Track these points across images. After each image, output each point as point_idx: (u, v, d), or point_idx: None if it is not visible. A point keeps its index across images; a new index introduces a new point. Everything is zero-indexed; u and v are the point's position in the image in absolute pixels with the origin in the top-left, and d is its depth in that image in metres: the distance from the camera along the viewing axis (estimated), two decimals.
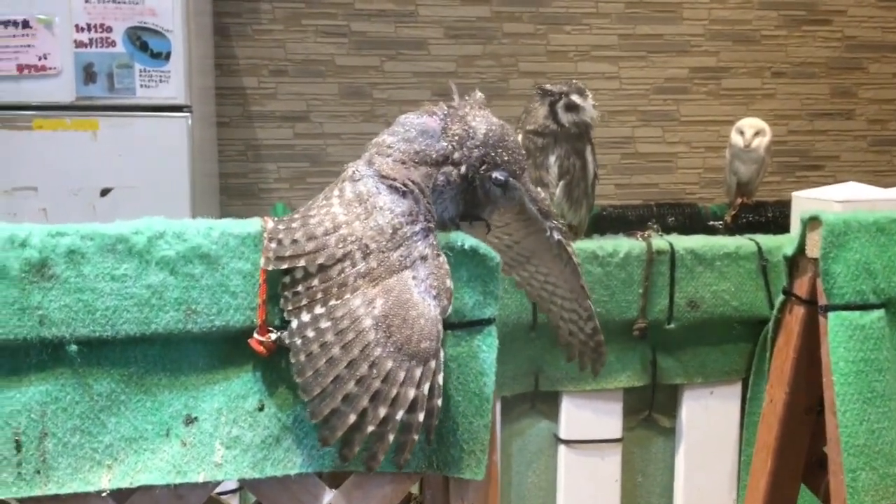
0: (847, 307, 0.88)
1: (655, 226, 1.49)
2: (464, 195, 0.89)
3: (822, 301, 0.90)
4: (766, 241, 1.42)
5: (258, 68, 3.20)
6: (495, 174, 0.88)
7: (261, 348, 0.80)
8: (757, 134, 2.61)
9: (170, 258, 0.78)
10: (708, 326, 1.43)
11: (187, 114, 2.53)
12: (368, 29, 3.23)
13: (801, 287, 0.96)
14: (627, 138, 3.40)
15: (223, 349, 0.83)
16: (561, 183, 1.41)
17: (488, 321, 0.85)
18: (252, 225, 0.81)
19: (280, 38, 3.19)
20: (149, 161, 2.50)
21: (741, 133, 2.61)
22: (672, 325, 1.40)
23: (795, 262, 0.98)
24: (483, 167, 0.88)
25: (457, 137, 0.89)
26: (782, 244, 1.42)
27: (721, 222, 2.81)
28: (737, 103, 3.48)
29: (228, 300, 0.80)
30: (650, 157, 3.46)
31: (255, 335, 0.80)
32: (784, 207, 2.96)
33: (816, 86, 3.52)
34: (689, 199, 3.43)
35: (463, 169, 0.88)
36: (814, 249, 0.91)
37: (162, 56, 2.49)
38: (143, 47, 2.48)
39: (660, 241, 1.39)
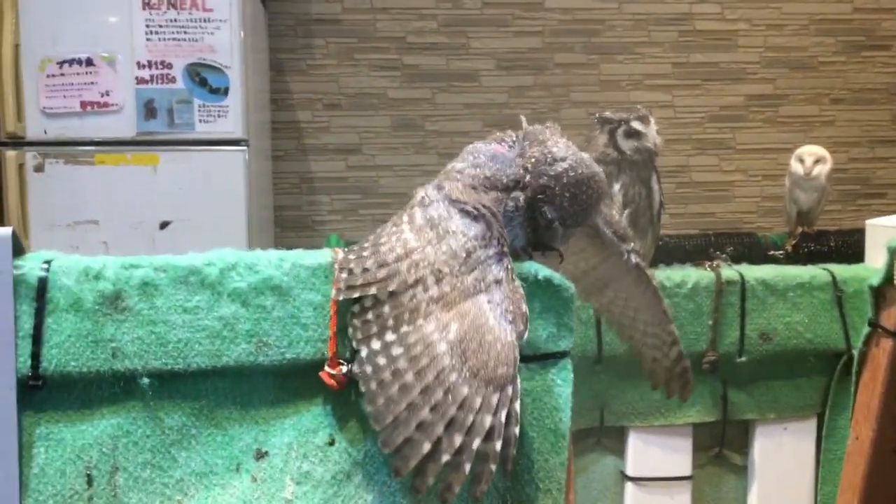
0: None
1: (724, 255, 1.45)
2: (530, 222, 0.87)
3: None
4: (840, 270, 1.36)
5: (312, 102, 3.24)
6: (546, 209, 0.86)
7: (332, 381, 0.78)
8: (817, 162, 2.55)
9: (241, 290, 0.77)
10: (781, 360, 1.37)
11: (244, 147, 2.56)
12: (420, 62, 3.25)
13: (889, 318, 0.91)
14: (682, 167, 3.35)
15: (294, 382, 0.82)
16: (626, 212, 1.38)
17: (563, 354, 0.82)
18: (323, 256, 0.80)
19: (333, 73, 3.23)
20: (206, 194, 2.54)
21: (801, 161, 2.55)
22: (743, 359, 1.35)
23: (882, 292, 0.93)
24: (540, 196, 0.86)
25: (532, 160, 0.87)
26: (857, 274, 1.37)
27: (781, 252, 2.74)
28: (795, 131, 3.41)
29: (300, 332, 0.79)
30: (706, 185, 3.41)
31: (326, 368, 0.79)
32: (846, 236, 2.89)
33: (877, 112, 3.43)
34: (747, 229, 3.36)
35: (528, 192, 0.86)
36: None
37: (220, 91, 2.53)
38: (203, 83, 2.52)
39: (729, 271, 1.34)
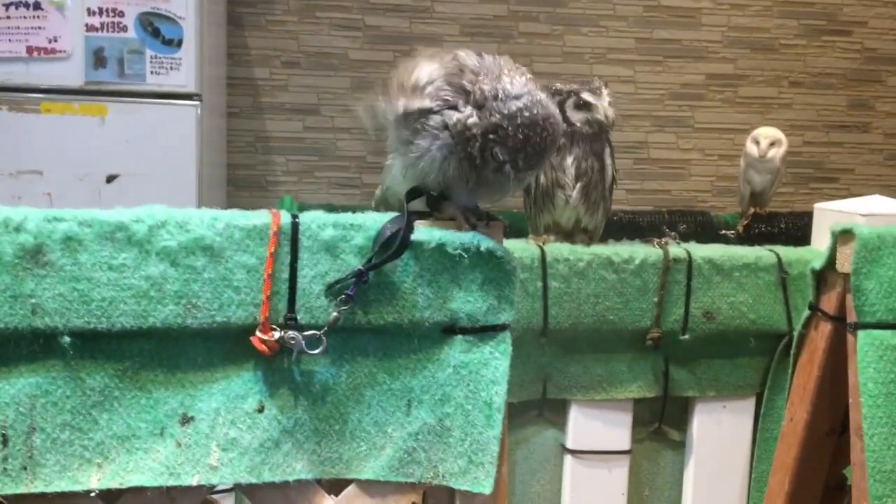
0: (878, 325, 0.83)
1: (673, 233, 1.44)
2: (476, 164, 0.83)
3: (852, 318, 0.86)
4: (786, 252, 1.37)
5: (270, 59, 3.16)
6: (497, 149, 0.82)
7: (263, 347, 0.76)
8: (773, 144, 2.57)
9: (171, 249, 0.74)
10: (723, 339, 1.38)
11: (197, 102, 2.49)
12: (383, 23, 3.19)
13: (829, 303, 0.91)
14: (641, 143, 3.35)
15: (223, 346, 0.79)
16: (578, 185, 1.36)
17: (502, 327, 0.81)
18: (258, 217, 0.78)
19: (293, 30, 3.16)
20: (156, 149, 2.47)
21: (756, 142, 2.57)
22: (686, 336, 1.35)
23: (823, 276, 0.94)
24: (492, 135, 0.82)
25: (483, 94, 0.83)
26: (802, 256, 1.38)
27: (733, 232, 2.77)
28: (753, 112, 3.43)
29: (231, 295, 0.76)
30: (663, 163, 3.42)
31: (258, 333, 0.76)
32: (797, 219, 2.92)
33: (834, 97, 3.47)
34: (701, 207, 3.39)
35: (477, 130, 0.82)
36: (845, 264, 0.87)
37: (173, 43, 2.45)
38: (155, 33, 2.44)
39: (677, 249, 1.34)
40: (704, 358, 1.39)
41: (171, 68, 2.46)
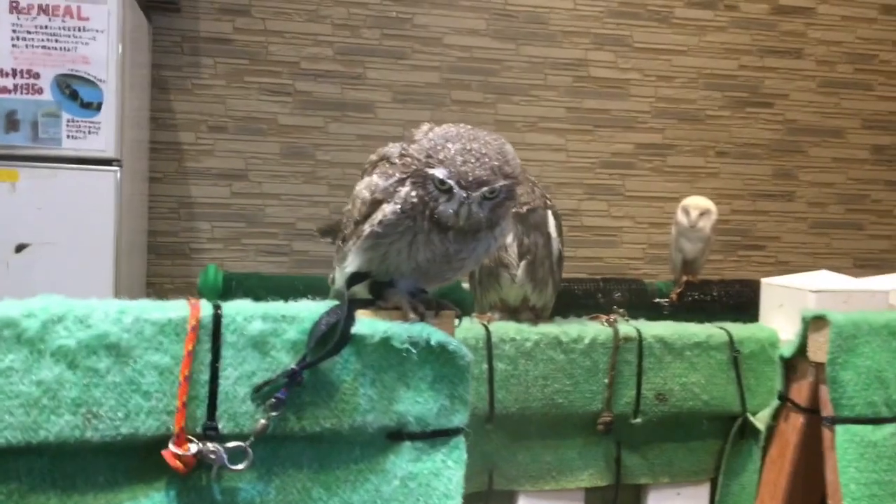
0: (857, 420, 0.78)
1: (621, 310, 1.39)
2: (426, 207, 0.79)
3: (828, 412, 0.80)
4: (737, 330, 1.33)
5: (196, 123, 3.06)
6: (436, 171, 0.77)
7: (177, 463, 0.65)
8: (703, 214, 2.59)
9: (68, 348, 0.63)
10: (676, 422, 1.32)
11: (116, 168, 2.37)
12: (314, 89, 3.13)
13: (800, 393, 0.85)
14: (574, 211, 3.34)
15: (130, 463, 0.67)
16: (523, 263, 1.29)
17: (456, 431, 0.72)
18: (174, 309, 0.67)
19: (221, 94, 3.07)
20: (71, 216, 2.33)
21: (687, 212, 2.58)
22: (639, 420, 1.28)
23: (793, 364, 0.88)
24: (429, 166, 0.78)
25: (412, 156, 0.81)
26: (754, 334, 1.34)
27: (667, 300, 2.76)
28: (681, 181, 3.48)
29: (139, 402, 0.65)
30: (596, 230, 3.42)
31: (171, 446, 0.65)
32: (728, 286, 2.94)
33: (759, 167, 3.54)
34: (633, 275, 3.39)
35: (407, 181, 0.79)
36: (818, 353, 0.81)
37: (93, 106, 2.34)
38: (73, 96, 2.32)
39: (626, 327, 1.28)
40: (657, 442, 1.32)
41: (90, 132, 2.34)
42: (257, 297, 2.43)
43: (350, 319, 0.70)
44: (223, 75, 3.07)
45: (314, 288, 2.75)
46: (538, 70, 3.32)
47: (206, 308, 0.68)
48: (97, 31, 2.35)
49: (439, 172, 0.77)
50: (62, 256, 2.32)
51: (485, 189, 0.77)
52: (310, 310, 0.71)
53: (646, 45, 3.40)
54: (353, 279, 0.77)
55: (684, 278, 2.74)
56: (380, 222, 0.78)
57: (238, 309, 0.69)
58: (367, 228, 0.80)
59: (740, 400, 1.30)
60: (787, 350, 0.89)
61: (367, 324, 0.70)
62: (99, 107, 2.35)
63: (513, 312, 1.34)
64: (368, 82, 3.17)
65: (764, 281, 1.41)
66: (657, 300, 2.76)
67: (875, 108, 3.61)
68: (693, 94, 3.46)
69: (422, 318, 0.74)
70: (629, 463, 1.32)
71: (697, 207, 2.60)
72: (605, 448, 1.31)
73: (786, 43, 3.52)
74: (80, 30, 2.34)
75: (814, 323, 0.85)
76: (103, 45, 2.35)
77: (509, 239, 1.30)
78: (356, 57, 3.16)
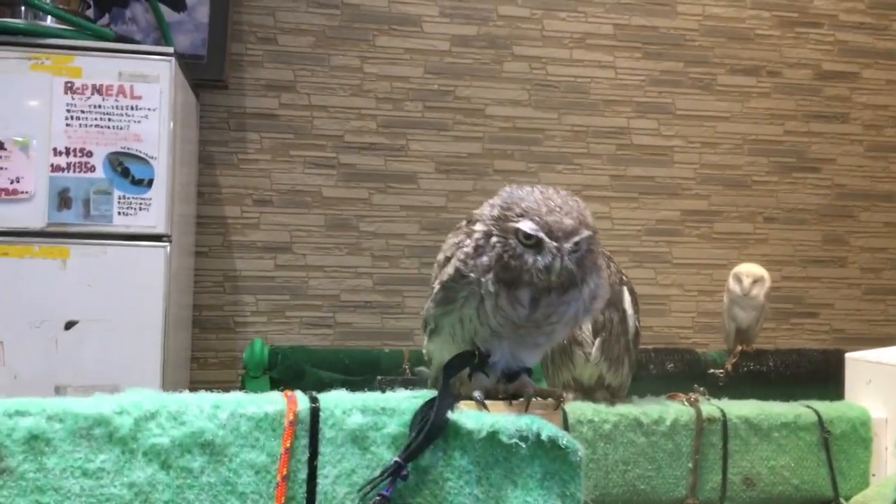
0: None
1: (702, 388, 1.33)
2: (505, 270, 0.75)
3: None
4: (826, 409, 1.26)
5: (242, 197, 3.08)
6: (521, 224, 0.75)
7: None
8: (755, 282, 2.54)
9: (162, 447, 0.59)
10: None
11: (166, 243, 2.37)
12: (357, 161, 3.15)
13: None
14: None
15: None
16: (598, 340, 1.25)
17: None
18: (270, 402, 0.63)
19: (266, 168, 3.09)
20: (120, 292, 2.32)
21: (739, 280, 2.54)
22: None
23: None
24: (511, 221, 0.77)
25: (495, 215, 0.82)
26: (844, 413, 1.27)
27: (722, 370, 2.70)
28: (729, 247, 3.42)
29: (235, 503, 0.61)
30: (644, 299, 3.32)
31: None
32: (784, 356, 2.86)
33: (808, 232, 3.48)
34: (683, 344, 3.31)
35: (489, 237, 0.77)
36: None
37: (144, 183, 2.36)
38: (125, 173, 2.34)
39: (709, 407, 1.22)
40: None
41: (141, 209, 2.35)
42: (303, 371, 2.39)
43: (447, 403, 0.65)
44: (269, 150, 3.10)
45: (359, 361, 2.71)
46: (581, 139, 3.31)
47: (302, 401, 0.64)
48: (149, 109, 2.38)
49: (525, 225, 0.73)
50: (111, 332, 2.31)
51: (575, 239, 0.74)
52: (410, 401, 0.67)
53: (688, 112, 3.39)
54: (450, 367, 0.73)
55: (738, 348, 2.67)
56: (447, 278, 0.75)
57: (336, 401, 0.65)
58: (435, 286, 0.77)
59: (832, 484, 1.22)
60: None
61: (472, 417, 0.66)
62: (150, 183, 2.36)
63: (587, 392, 1.28)
64: (411, 154, 3.19)
65: (849, 356, 1.35)
66: (712, 371, 2.68)
67: None
68: (738, 160, 3.43)
69: (526, 409, 0.70)
70: None
71: (750, 275, 2.54)
72: None
73: (831, 108, 3.49)
74: (132, 108, 2.37)
75: None
76: (154, 123, 2.38)
77: None
78: (399, 129, 3.18)
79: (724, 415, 1.20)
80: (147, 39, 2.84)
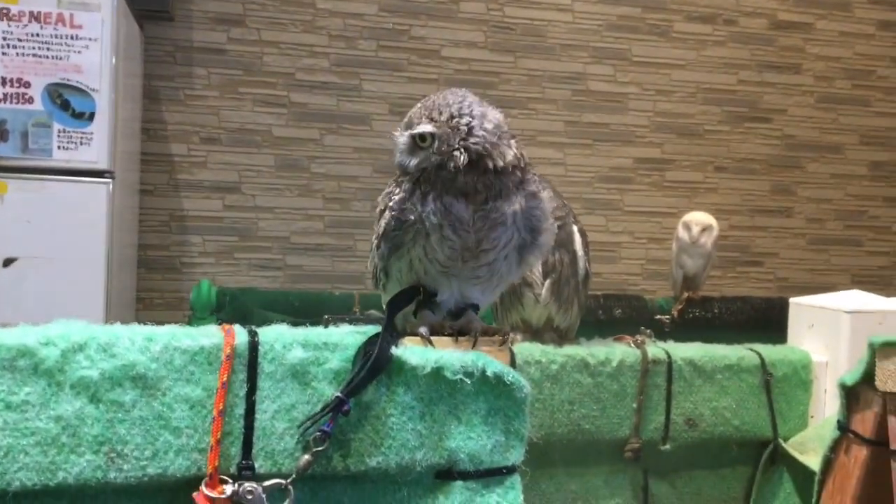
0: None
1: (648, 331, 1.33)
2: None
3: None
4: (768, 352, 1.28)
5: (188, 135, 2.99)
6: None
7: None
8: (704, 230, 2.56)
9: (91, 380, 0.57)
10: (705, 448, 1.26)
11: (109, 180, 2.30)
12: (309, 100, 3.07)
13: (864, 424, 0.80)
14: None
15: None
16: (547, 282, 1.24)
17: (511, 469, 0.66)
18: (206, 336, 0.61)
19: (214, 105, 3.00)
20: (61, 229, 2.25)
21: (688, 228, 2.55)
22: (668, 446, 1.23)
23: (856, 393, 0.83)
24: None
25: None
26: (786, 356, 1.29)
27: (668, 316, 2.73)
28: (680, 196, 3.44)
29: (168, 439, 0.59)
30: (594, 245, 3.35)
31: (203, 488, 0.59)
32: (729, 303, 2.90)
33: (757, 182, 3.52)
34: (631, 291, 3.35)
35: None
36: (888, 382, 0.76)
37: (84, 117, 2.27)
38: (65, 106, 2.25)
39: (655, 349, 1.23)
40: (686, 470, 1.27)
41: (81, 143, 2.27)
42: (251, 314, 2.35)
43: (390, 336, 0.64)
44: (217, 86, 3.01)
45: (310, 303, 2.67)
46: (536, 83, 3.28)
47: (240, 335, 0.61)
48: (90, 39, 2.28)
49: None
50: (51, 270, 2.25)
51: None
52: (354, 336, 0.65)
53: (644, 58, 3.37)
54: (394, 302, 0.72)
55: (685, 295, 2.70)
56: (388, 227, 0.74)
57: (276, 335, 0.63)
58: (373, 241, 0.76)
59: (772, 425, 1.25)
60: (849, 378, 0.84)
61: (417, 353, 0.65)
62: (91, 117, 2.28)
63: (535, 334, 1.28)
64: (364, 94, 3.12)
65: (792, 300, 1.36)
66: (658, 317, 2.72)
67: (873, 124, 3.60)
68: (692, 109, 3.43)
69: (474, 345, 0.68)
70: (657, 491, 1.26)
71: (699, 223, 2.56)
72: (632, 476, 1.25)
73: (784, 58, 3.50)
74: (72, 38, 2.27)
75: (882, 350, 0.80)
76: (96, 53, 2.28)
77: None
78: (352, 69, 3.11)
79: (669, 357, 1.21)
80: None
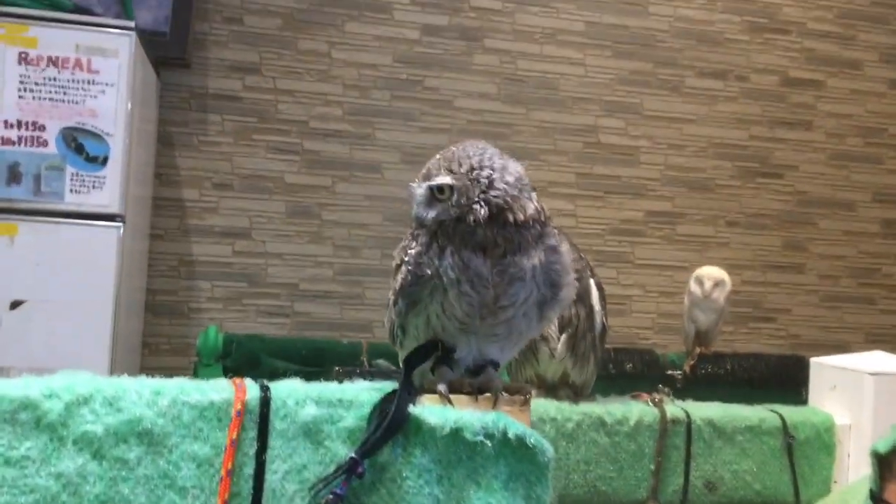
0: None
1: (666, 389, 1.30)
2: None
3: None
4: (790, 413, 1.24)
5: (200, 180, 3.00)
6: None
7: None
8: (717, 284, 2.54)
9: (94, 435, 0.54)
10: None
11: (119, 224, 2.29)
12: (322, 148, 3.09)
13: None
14: None
15: None
16: (563, 336, 1.21)
17: None
18: (216, 390, 0.58)
19: (227, 152, 3.02)
20: (71, 272, 2.24)
21: (700, 283, 2.54)
22: None
23: (888, 461, 0.79)
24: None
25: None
26: (808, 418, 1.25)
27: (680, 372, 2.70)
28: (691, 250, 3.42)
29: (174, 499, 0.56)
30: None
31: None
32: (742, 360, 2.86)
33: (769, 237, 3.50)
34: (642, 345, 3.30)
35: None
36: None
37: (98, 160, 2.27)
38: (79, 150, 2.26)
39: (674, 408, 1.19)
40: None
41: (94, 187, 2.27)
42: (258, 361, 2.32)
43: (407, 394, 0.61)
44: (230, 132, 3.02)
45: (316, 351, 2.64)
46: (548, 135, 3.29)
47: (252, 389, 0.59)
48: (107, 84, 2.30)
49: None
50: (58, 314, 2.23)
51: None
52: (369, 392, 0.62)
53: (656, 112, 3.38)
54: (411, 359, 0.69)
55: (697, 350, 2.67)
56: (405, 283, 0.71)
57: (288, 391, 0.60)
58: (390, 297, 0.73)
59: (794, 490, 1.21)
60: (882, 445, 0.80)
61: (435, 412, 0.62)
62: (105, 161, 2.28)
63: (550, 390, 1.25)
64: (377, 143, 3.13)
65: (813, 360, 1.33)
66: (670, 372, 2.68)
67: (885, 181, 3.59)
68: (703, 163, 3.43)
69: (494, 404, 0.66)
70: None
71: (711, 278, 2.54)
72: None
73: (796, 115, 3.51)
74: (88, 83, 2.29)
75: None
76: (112, 98, 2.30)
77: None
78: (365, 118, 3.12)
79: (688, 416, 1.17)
80: (107, 13, 2.75)
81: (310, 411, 0.60)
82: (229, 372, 2.41)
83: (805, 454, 1.20)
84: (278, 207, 3.05)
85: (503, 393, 0.68)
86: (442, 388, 0.66)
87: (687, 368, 2.70)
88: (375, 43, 3.14)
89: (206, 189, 3.01)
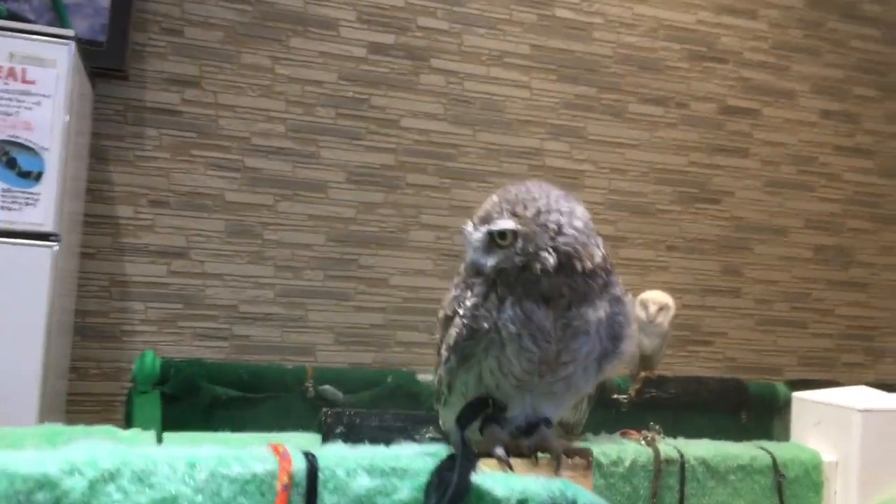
0: None
1: (657, 427, 1.27)
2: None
3: None
4: (779, 451, 1.23)
5: (136, 197, 2.86)
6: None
7: None
8: (661, 309, 2.55)
9: None
10: None
11: (54, 243, 2.15)
12: (264, 166, 2.99)
13: None
14: None
15: None
16: None
17: None
18: (258, 460, 0.52)
19: (164, 168, 2.89)
20: (0, 293, 2.08)
21: (645, 307, 2.55)
22: None
23: None
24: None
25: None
26: (797, 455, 1.25)
27: (626, 396, 2.70)
28: (633, 273, 3.45)
29: None
30: None
31: None
32: (685, 384, 2.89)
33: (707, 262, 3.56)
34: None
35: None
36: None
37: (31, 176, 2.13)
38: (11, 164, 2.11)
39: (666, 447, 1.17)
40: None
41: (27, 203, 2.12)
42: (198, 387, 2.19)
43: (468, 461, 0.56)
44: (168, 147, 2.90)
45: (260, 377, 2.53)
46: (494, 157, 3.28)
47: (297, 459, 0.52)
48: (43, 95, 2.16)
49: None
50: None
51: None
52: (423, 459, 0.56)
53: (600, 137, 3.41)
54: (463, 416, 0.63)
55: (642, 374, 2.68)
56: (459, 338, 0.65)
57: (337, 459, 0.54)
58: (443, 353, 0.67)
59: None
60: None
61: (499, 481, 0.56)
62: (39, 177, 2.14)
63: None
64: (322, 161, 3.05)
65: (795, 395, 1.33)
66: (616, 396, 2.68)
67: (816, 208, 3.71)
68: (645, 188, 3.47)
69: (532, 457, 0.61)
70: None
71: (656, 302, 2.55)
72: None
73: (733, 142, 3.59)
74: (23, 94, 2.15)
75: None
76: (48, 110, 2.16)
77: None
78: (309, 135, 3.04)
79: (681, 456, 1.15)
80: (40, 20, 2.60)
81: (362, 482, 0.53)
82: (167, 398, 2.28)
83: (794, 493, 1.19)
84: (217, 226, 2.93)
85: (564, 455, 0.63)
86: (500, 452, 0.61)
87: (633, 393, 2.71)
88: (321, 59, 3.07)
89: (141, 206, 2.87)
